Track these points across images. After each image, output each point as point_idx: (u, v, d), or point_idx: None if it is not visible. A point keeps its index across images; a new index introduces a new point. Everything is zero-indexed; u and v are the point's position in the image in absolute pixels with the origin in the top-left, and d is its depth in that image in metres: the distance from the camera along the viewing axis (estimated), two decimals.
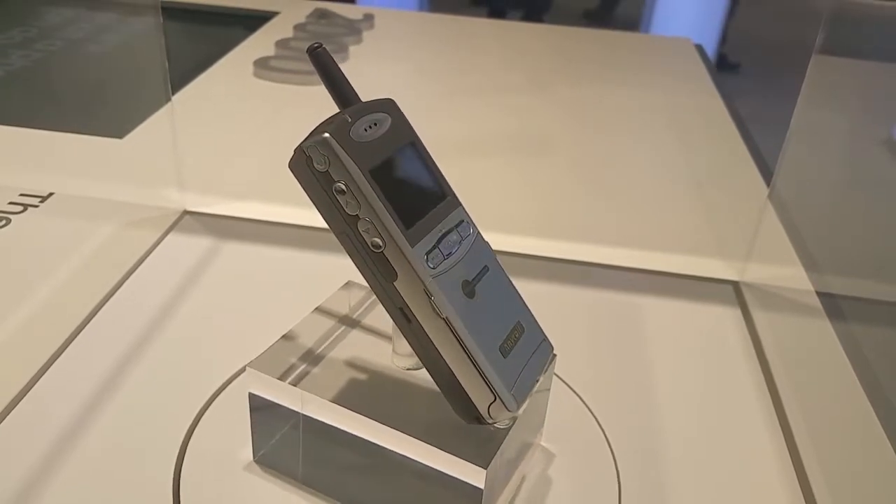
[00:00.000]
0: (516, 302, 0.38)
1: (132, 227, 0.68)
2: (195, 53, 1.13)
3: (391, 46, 1.27)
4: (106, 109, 0.88)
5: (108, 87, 0.92)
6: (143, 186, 0.72)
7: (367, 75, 1.10)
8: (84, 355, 0.51)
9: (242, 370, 0.50)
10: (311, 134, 0.32)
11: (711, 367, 0.56)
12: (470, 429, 0.36)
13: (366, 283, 0.34)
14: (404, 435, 0.36)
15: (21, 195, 0.69)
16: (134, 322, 0.55)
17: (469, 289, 0.35)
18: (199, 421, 0.46)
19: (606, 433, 0.48)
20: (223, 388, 0.49)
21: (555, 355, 0.39)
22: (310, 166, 0.32)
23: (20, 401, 0.47)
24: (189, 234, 0.66)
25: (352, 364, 0.40)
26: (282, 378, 0.39)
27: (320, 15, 1.28)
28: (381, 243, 0.32)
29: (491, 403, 0.34)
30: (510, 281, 0.38)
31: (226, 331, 0.55)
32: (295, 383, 0.39)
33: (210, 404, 0.48)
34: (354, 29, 1.22)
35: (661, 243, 0.72)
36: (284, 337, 0.41)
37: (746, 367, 0.56)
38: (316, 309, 0.44)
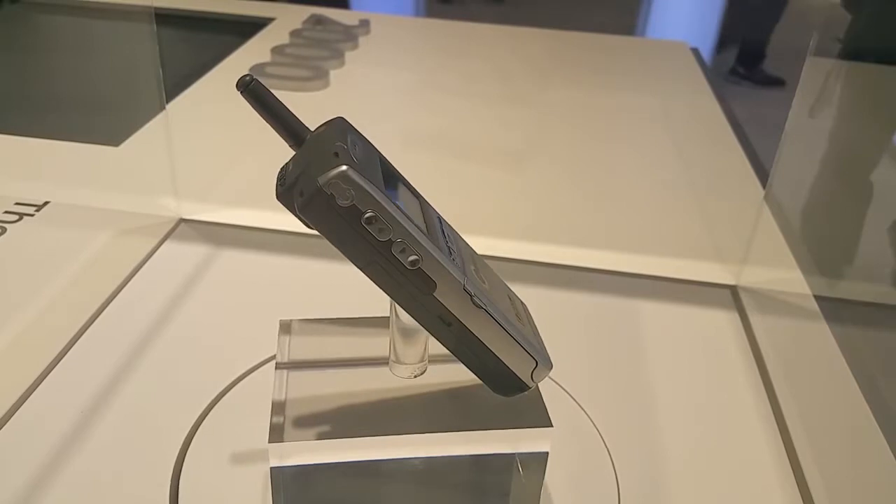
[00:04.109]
0: (496, 274, 0.39)
1: (128, 235, 0.68)
2: (190, 60, 1.13)
3: (387, 52, 1.27)
4: (101, 117, 0.88)
5: (103, 94, 0.92)
6: (138, 194, 0.72)
7: (365, 80, 1.10)
8: (80, 365, 0.51)
9: (241, 378, 0.50)
10: (306, 172, 0.31)
11: (709, 371, 0.56)
12: (494, 406, 0.37)
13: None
14: (467, 433, 0.36)
15: (16, 204, 0.69)
16: (130, 330, 0.54)
17: (479, 275, 0.36)
18: (196, 429, 0.46)
19: (604, 438, 0.48)
20: (221, 396, 0.49)
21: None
22: (332, 204, 0.31)
23: (16, 411, 0.47)
24: (185, 242, 0.66)
25: (356, 396, 0.38)
26: (307, 438, 0.35)
27: (316, 21, 1.28)
28: (418, 259, 0.32)
29: (534, 369, 0.36)
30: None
31: (223, 338, 0.55)
32: (324, 437, 0.35)
33: (208, 413, 0.47)
34: (350, 35, 1.22)
35: (657, 247, 0.71)
36: (273, 403, 0.37)
37: (744, 370, 0.56)
38: (277, 365, 0.39)
